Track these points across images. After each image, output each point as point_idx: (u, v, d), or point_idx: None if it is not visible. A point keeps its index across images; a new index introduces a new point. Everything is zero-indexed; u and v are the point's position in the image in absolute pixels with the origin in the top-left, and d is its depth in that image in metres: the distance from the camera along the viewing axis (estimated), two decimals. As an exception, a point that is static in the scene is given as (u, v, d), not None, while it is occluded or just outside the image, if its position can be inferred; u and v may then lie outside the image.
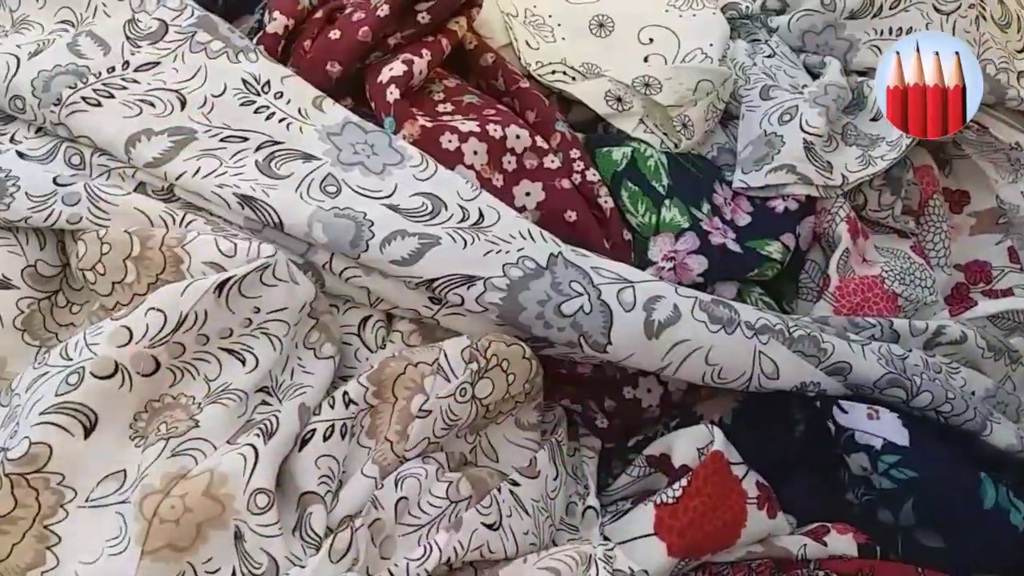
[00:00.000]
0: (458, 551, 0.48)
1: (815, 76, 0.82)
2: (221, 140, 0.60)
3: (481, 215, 0.61)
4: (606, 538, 0.57)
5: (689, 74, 0.73)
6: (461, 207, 0.61)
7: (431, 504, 0.50)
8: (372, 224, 0.57)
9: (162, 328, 0.50)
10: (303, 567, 0.46)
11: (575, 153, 0.69)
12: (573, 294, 0.57)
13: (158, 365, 0.51)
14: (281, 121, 0.62)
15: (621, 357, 0.58)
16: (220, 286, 0.52)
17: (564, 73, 0.76)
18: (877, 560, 0.56)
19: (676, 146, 0.72)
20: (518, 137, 0.67)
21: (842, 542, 0.57)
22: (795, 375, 0.60)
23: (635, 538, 0.56)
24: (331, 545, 0.47)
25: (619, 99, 0.73)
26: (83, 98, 0.61)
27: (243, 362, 0.53)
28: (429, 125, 0.64)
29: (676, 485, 0.56)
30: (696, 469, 0.57)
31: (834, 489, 0.62)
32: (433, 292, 0.58)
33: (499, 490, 0.52)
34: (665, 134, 0.72)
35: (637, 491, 0.62)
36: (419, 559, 0.47)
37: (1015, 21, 0.85)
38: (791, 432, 0.64)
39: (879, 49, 0.81)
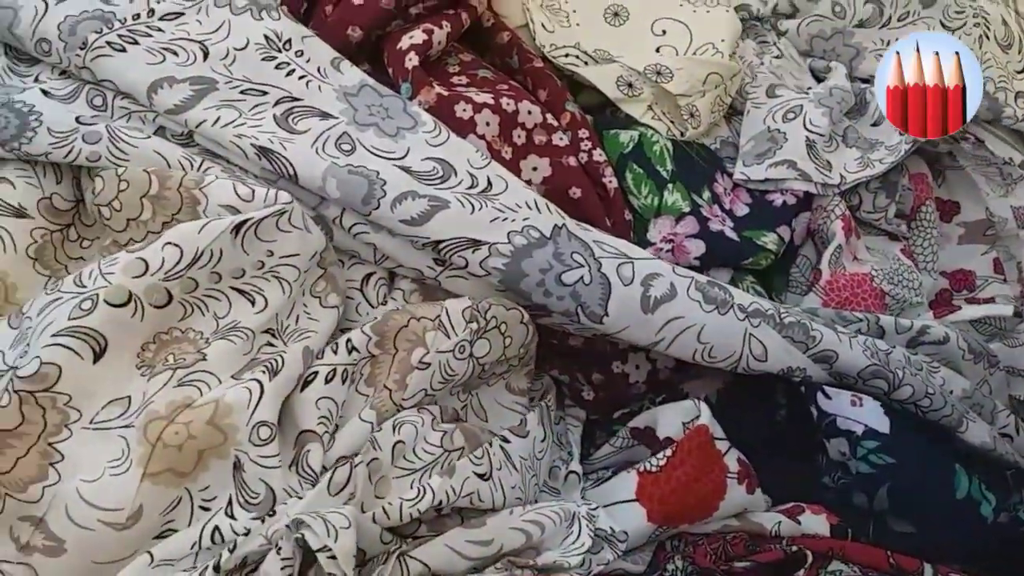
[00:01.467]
0: (450, 495, 0.50)
1: (820, 80, 0.85)
2: (241, 92, 0.62)
3: (489, 183, 0.62)
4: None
5: (700, 66, 0.75)
6: (471, 174, 0.62)
7: (425, 451, 0.52)
8: (384, 183, 0.59)
9: (178, 263, 0.52)
10: (300, 499, 0.48)
11: (583, 133, 0.71)
12: (574, 265, 0.59)
13: (170, 298, 0.52)
14: (301, 78, 0.64)
15: (616, 329, 0.60)
16: (237, 227, 0.53)
17: (577, 57, 0.78)
18: (848, 541, 0.58)
19: (682, 134, 0.74)
20: (529, 113, 0.69)
21: (815, 522, 0.59)
22: (783, 359, 0.62)
23: (617, 502, 0.58)
24: (330, 479, 0.48)
25: (630, 85, 0.75)
26: (108, 43, 0.62)
27: (252, 302, 0.55)
28: (445, 93, 0.66)
29: (661, 455, 0.58)
30: (681, 441, 0.58)
31: (810, 473, 0.64)
32: (439, 253, 0.59)
33: (490, 444, 0.54)
34: (672, 122, 0.74)
35: (618, 461, 0.64)
36: (413, 500, 0.49)
37: (1016, 42, 0.87)
38: (773, 416, 0.66)
39: (884, 58, 0.84)
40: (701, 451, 0.58)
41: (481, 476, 0.52)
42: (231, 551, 0.45)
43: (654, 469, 0.58)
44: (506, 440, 0.56)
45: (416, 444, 0.52)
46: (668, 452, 0.58)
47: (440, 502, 0.49)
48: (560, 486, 0.61)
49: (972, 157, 0.84)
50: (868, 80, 0.85)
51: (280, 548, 0.45)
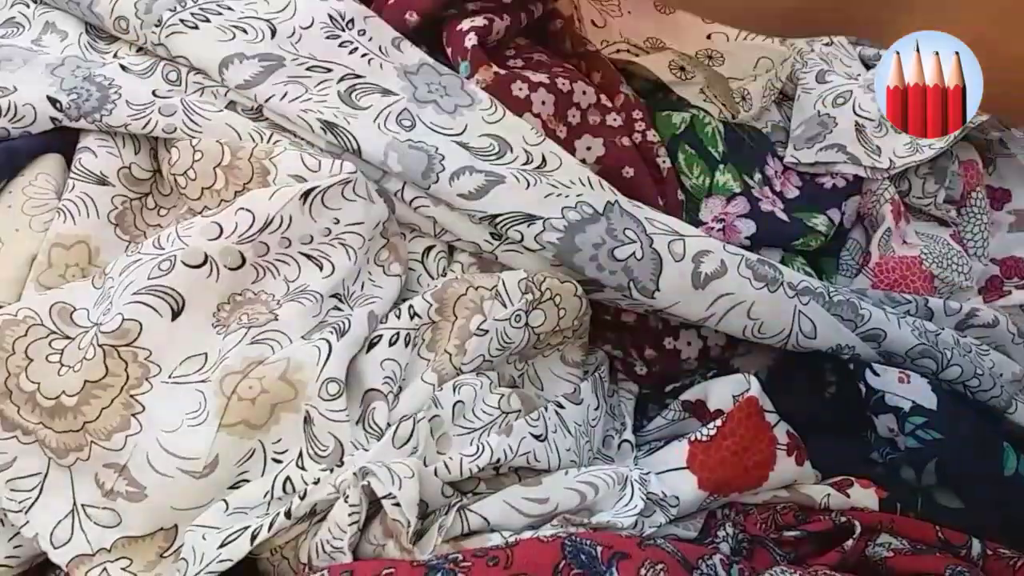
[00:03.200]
0: (508, 454, 0.51)
1: (869, 67, 0.86)
2: (307, 69, 0.64)
3: (544, 160, 0.64)
4: (639, 469, 0.60)
5: (751, 51, 0.77)
6: (526, 151, 0.64)
7: (484, 412, 0.54)
8: (443, 158, 0.61)
9: (250, 227, 0.54)
10: (367, 451, 0.50)
11: (637, 114, 0.72)
12: (627, 240, 0.61)
13: (244, 261, 0.55)
14: (363, 56, 0.66)
15: (667, 304, 0.61)
16: (306, 194, 0.56)
17: (628, 51, 0.80)
18: (897, 514, 0.59)
19: (733, 117, 0.75)
20: (584, 93, 0.70)
21: (864, 495, 0.60)
22: (832, 337, 0.62)
23: (668, 470, 0.59)
24: (395, 432, 0.50)
25: (682, 68, 0.76)
26: (181, 20, 0.65)
27: (320, 267, 0.57)
28: (502, 72, 0.68)
29: (711, 425, 0.59)
30: (731, 411, 0.59)
31: (859, 450, 0.64)
32: (495, 227, 0.61)
33: (546, 409, 0.56)
34: (724, 104, 0.75)
35: (670, 433, 0.65)
36: (472, 456, 0.51)
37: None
38: (822, 393, 0.67)
39: (934, 46, 0.84)
40: (751, 422, 0.59)
41: (537, 437, 0.53)
42: (301, 498, 0.47)
43: (705, 438, 0.59)
44: (560, 406, 0.57)
45: (475, 405, 0.54)
46: (719, 422, 0.59)
47: (498, 459, 0.51)
48: (613, 454, 0.62)
49: None
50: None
51: (348, 496, 0.47)
